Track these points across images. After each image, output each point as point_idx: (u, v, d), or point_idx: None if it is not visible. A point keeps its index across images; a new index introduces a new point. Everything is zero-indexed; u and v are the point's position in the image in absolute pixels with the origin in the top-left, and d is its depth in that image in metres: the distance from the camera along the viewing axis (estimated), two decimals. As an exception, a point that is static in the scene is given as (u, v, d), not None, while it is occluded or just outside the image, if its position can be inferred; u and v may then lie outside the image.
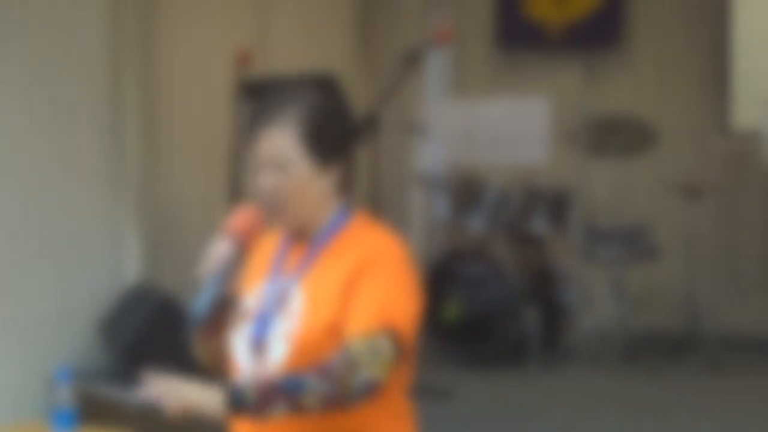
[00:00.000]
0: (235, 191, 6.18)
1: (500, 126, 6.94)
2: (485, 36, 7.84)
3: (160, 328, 5.57)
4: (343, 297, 2.26)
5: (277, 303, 2.34)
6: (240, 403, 2.10)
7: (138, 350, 5.61)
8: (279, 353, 2.29)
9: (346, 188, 2.41)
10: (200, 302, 2.34)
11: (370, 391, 2.18)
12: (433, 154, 7.30)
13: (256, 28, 6.97)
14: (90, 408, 5.41)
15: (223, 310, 2.39)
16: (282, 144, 2.32)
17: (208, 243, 2.44)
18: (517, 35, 7.80)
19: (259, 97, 5.79)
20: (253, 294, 2.40)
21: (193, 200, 6.46)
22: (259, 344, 2.33)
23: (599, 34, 7.61)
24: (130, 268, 5.95)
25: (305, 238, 2.39)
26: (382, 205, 5.74)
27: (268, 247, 2.46)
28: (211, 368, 2.53)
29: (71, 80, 5.68)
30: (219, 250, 2.36)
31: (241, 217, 2.39)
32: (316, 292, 2.30)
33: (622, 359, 6.46)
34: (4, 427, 5.16)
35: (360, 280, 2.26)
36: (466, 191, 6.76)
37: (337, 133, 2.38)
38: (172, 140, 6.33)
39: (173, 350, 5.49)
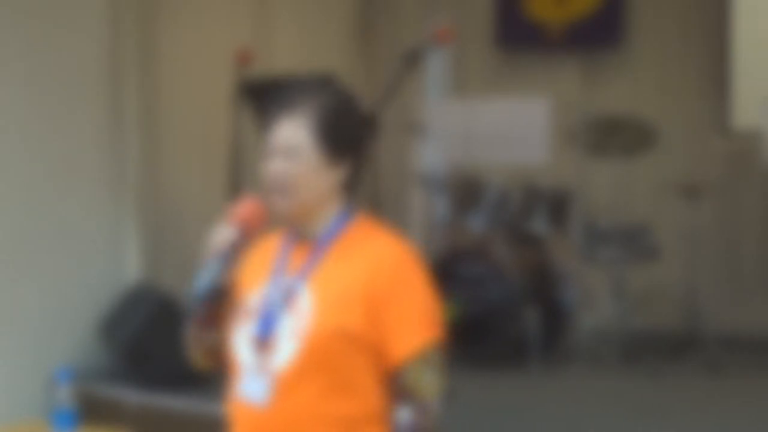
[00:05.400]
0: (235, 191, 6.18)
1: (500, 126, 6.93)
2: (485, 36, 7.84)
3: (160, 328, 5.57)
4: (365, 306, 2.29)
5: (282, 302, 2.34)
6: None
7: (138, 350, 5.61)
8: (288, 351, 2.29)
9: (350, 189, 2.42)
10: (201, 282, 2.36)
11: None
12: (433, 154, 7.28)
13: (256, 28, 6.97)
14: (90, 408, 5.42)
15: (220, 300, 2.40)
16: (296, 132, 2.35)
17: (208, 233, 2.45)
18: (517, 35, 7.80)
19: (262, 96, 5.79)
20: (254, 293, 2.40)
21: (193, 200, 6.46)
22: (264, 342, 2.33)
23: (599, 34, 7.60)
24: (130, 268, 5.96)
25: (306, 238, 2.40)
26: (382, 205, 5.73)
27: (269, 248, 2.47)
28: (205, 367, 2.53)
29: (71, 80, 5.69)
30: (222, 234, 2.38)
31: (245, 207, 2.42)
32: (327, 292, 2.31)
33: (622, 359, 6.45)
34: (4, 427, 5.16)
35: (387, 296, 2.31)
36: (466, 191, 6.75)
37: (351, 129, 2.41)
38: (172, 140, 6.33)
39: (173, 350, 5.50)
